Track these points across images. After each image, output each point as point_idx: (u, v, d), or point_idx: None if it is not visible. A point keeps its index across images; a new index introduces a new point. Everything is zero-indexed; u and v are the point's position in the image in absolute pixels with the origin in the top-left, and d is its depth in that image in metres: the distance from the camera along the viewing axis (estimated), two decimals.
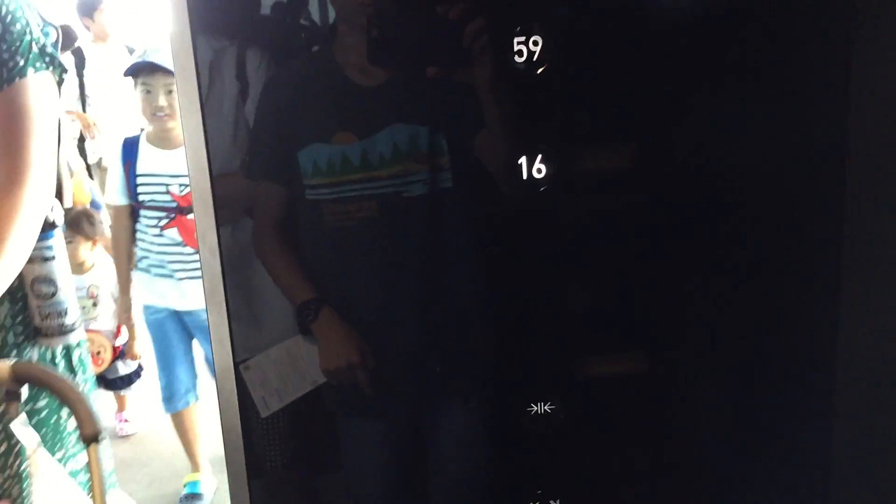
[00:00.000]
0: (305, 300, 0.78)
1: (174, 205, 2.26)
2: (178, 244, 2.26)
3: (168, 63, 2.16)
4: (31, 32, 1.31)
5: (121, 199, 2.32)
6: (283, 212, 0.78)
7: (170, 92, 2.17)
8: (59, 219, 1.43)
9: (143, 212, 2.30)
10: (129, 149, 2.33)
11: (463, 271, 0.78)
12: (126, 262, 2.36)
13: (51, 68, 1.33)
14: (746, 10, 0.73)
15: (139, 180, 2.29)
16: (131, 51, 3.97)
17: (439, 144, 0.75)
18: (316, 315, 0.78)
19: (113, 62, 3.92)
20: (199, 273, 2.40)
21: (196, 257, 2.31)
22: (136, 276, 2.37)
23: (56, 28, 1.42)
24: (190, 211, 2.26)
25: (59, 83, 1.37)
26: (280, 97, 0.75)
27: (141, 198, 2.29)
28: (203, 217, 0.76)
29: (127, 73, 2.20)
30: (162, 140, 2.28)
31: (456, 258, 0.78)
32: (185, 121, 0.74)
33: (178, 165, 2.27)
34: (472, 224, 0.77)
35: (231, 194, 0.76)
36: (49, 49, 1.33)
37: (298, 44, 0.75)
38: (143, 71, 2.18)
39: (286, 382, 0.79)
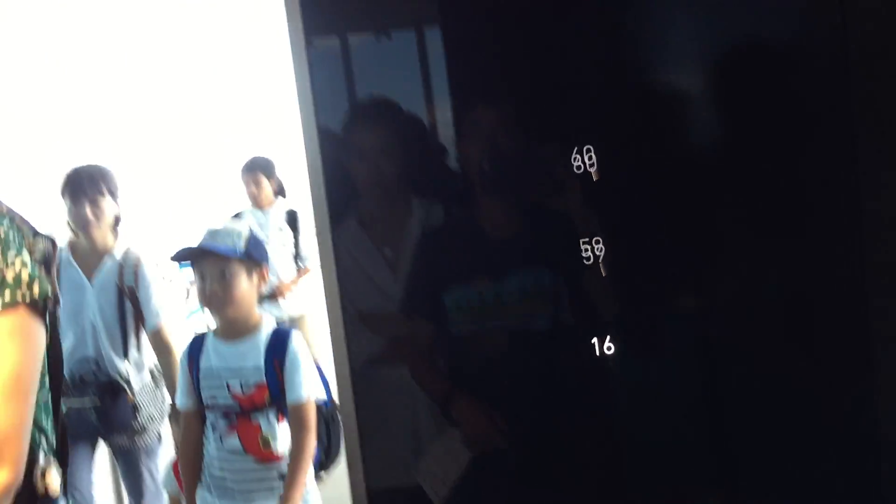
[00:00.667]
0: (446, 392, 1.03)
1: (236, 407, 1.93)
2: (238, 453, 1.91)
3: (221, 246, 1.91)
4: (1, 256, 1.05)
5: (183, 402, 2.03)
6: (430, 339, 1.03)
7: (223, 276, 1.90)
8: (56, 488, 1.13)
9: (207, 414, 1.99)
10: (197, 344, 2.06)
11: (574, 402, 0.98)
12: (192, 478, 2.01)
13: (27, 300, 1.05)
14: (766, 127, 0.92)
15: (201, 375, 2.00)
16: (292, 214, 3.83)
17: (559, 288, 0.93)
18: (456, 401, 1.02)
19: (271, 229, 3.76)
20: (262, 486, 1.97)
21: (263, 472, 1.95)
22: (199, 496, 2.02)
23: (49, 240, 1.15)
24: (254, 411, 1.92)
25: (44, 311, 1.08)
26: (431, 249, 0.98)
27: (204, 398, 1.99)
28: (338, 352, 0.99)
29: (175, 259, 1.95)
30: (225, 331, 2.00)
31: (570, 387, 0.98)
32: (321, 257, 0.97)
33: (241, 360, 1.96)
34: (580, 363, 0.96)
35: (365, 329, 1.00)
36: (28, 274, 1.05)
37: (445, 206, 0.98)
38: (194, 256, 1.93)
39: (446, 469, 1.03)
